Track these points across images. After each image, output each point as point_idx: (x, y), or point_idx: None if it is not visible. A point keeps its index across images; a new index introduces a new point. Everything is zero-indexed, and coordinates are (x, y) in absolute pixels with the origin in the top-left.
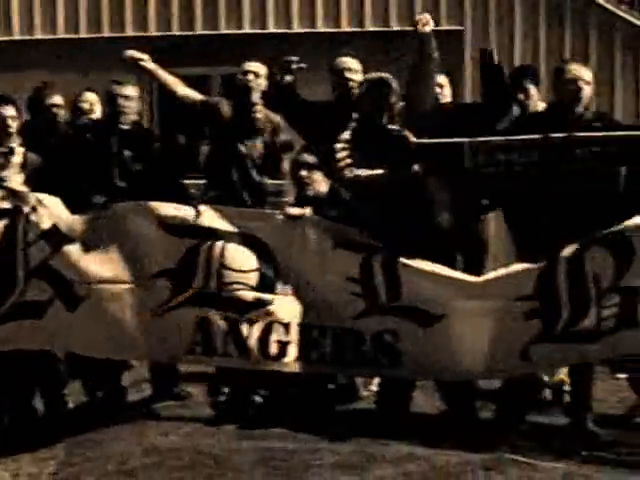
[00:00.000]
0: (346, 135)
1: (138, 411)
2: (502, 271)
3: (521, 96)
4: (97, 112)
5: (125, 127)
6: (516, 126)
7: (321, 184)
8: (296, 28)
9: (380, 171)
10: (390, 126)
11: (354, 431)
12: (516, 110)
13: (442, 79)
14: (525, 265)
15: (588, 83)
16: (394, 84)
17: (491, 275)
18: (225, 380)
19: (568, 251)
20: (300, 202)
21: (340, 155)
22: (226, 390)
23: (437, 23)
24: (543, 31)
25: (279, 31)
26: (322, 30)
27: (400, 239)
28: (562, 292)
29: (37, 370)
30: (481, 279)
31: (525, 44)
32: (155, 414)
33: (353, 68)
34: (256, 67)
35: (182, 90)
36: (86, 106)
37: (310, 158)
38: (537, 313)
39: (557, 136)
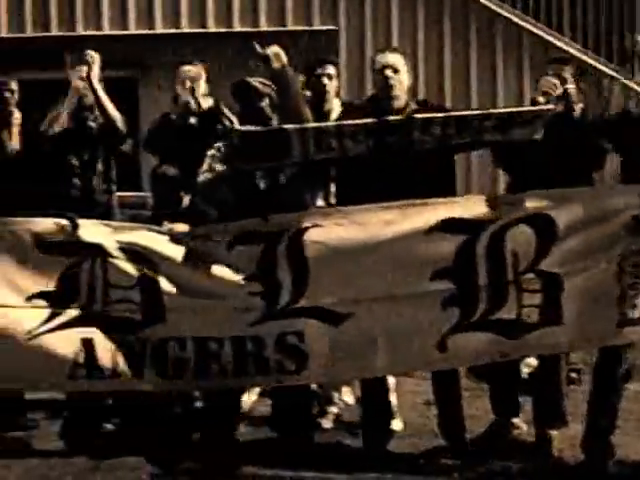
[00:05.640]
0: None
1: None
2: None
3: None
4: None
5: None
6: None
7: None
8: (159, 29)
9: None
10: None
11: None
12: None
13: (330, 69)
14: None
15: (396, 70)
16: (260, 86)
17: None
18: (74, 408)
19: (491, 227)
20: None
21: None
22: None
23: (310, 22)
24: (422, 30)
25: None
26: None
27: None
28: (480, 273)
29: None
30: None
31: (403, 43)
32: None
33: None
34: (82, 72)
35: None
36: None
37: (171, 170)
38: (455, 299)
39: (393, 119)
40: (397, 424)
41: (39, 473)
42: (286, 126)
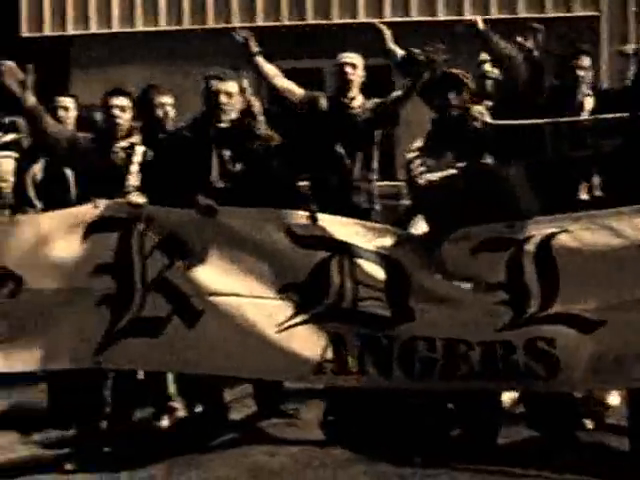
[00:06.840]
0: (418, 142)
1: (242, 429)
2: None
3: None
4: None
5: (224, 125)
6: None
7: None
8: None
9: (453, 170)
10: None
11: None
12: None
13: (587, 61)
14: None
15: None
16: (465, 78)
17: None
18: (336, 398)
19: None
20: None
21: (413, 165)
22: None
23: (570, 9)
24: None
25: (395, 20)
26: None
27: None
28: None
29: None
30: None
31: None
32: (260, 433)
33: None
34: (352, 58)
35: (281, 82)
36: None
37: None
38: None
39: None
40: None
41: (301, 461)
42: (540, 121)
